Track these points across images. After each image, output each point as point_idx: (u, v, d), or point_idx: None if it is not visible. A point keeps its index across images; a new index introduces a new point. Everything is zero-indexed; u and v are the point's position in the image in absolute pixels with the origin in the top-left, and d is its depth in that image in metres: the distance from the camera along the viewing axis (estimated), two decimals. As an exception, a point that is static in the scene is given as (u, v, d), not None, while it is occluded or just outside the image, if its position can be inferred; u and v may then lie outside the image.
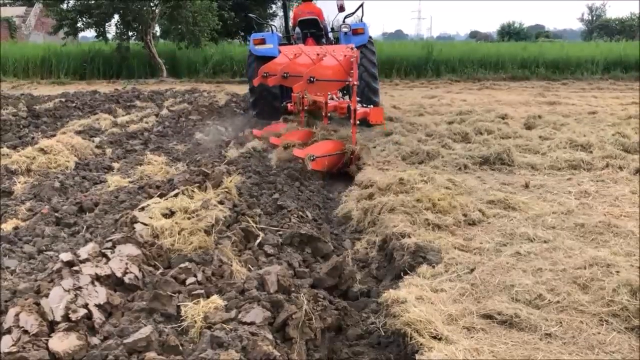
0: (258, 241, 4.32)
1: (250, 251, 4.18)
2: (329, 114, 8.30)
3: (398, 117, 11.86)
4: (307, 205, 5.50)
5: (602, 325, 3.09)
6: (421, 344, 2.78)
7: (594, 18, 63.43)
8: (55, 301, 2.95)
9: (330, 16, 12.19)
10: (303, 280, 3.90)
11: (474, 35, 61.14)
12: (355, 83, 7.25)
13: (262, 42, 10.63)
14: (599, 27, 58.15)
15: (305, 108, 8.40)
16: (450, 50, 25.08)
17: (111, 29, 23.92)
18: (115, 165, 6.97)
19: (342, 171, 7.14)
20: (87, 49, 24.88)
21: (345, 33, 11.07)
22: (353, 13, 11.65)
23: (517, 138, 8.72)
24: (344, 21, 11.65)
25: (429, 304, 3.19)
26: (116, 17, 23.08)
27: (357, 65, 7.52)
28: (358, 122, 7.28)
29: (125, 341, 2.73)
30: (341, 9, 11.17)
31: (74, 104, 12.28)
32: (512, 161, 7.02)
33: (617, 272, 3.59)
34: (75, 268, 3.31)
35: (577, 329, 3.06)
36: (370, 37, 11.38)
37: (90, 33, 24.75)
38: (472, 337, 2.95)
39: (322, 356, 3.22)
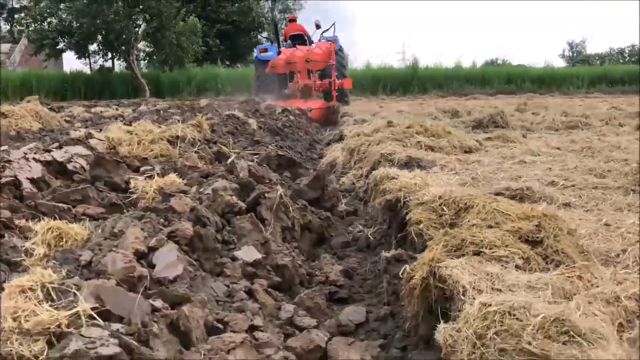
0: (230, 160, 3.84)
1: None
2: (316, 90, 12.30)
3: (385, 114, 11.57)
4: (287, 149, 5.05)
5: (629, 194, 2.65)
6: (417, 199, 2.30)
7: (575, 54, 64.38)
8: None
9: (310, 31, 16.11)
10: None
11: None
12: (333, 63, 12.28)
13: (265, 50, 14.80)
14: (580, 62, 58.92)
15: (299, 89, 12.14)
16: (435, 71, 25.04)
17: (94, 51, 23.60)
18: (83, 130, 6.48)
19: (329, 120, 10.74)
20: (69, 71, 24.54)
21: None
22: (327, 29, 15.86)
23: (510, 117, 8.36)
24: (322, 34, 15.64)
25: (423, 179, 2.72)
26: (99, 37, 22.81)
27: (334, 52, 12.66)
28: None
29: (56, 195, 2.23)
30: (317, 26, 15.10)
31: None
32: (506, 123, 6.65)
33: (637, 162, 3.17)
34: (12, 150, 2.82)
35: (600, 198, 2.62)
36: (340, 46, 15.40)
37: (73, 59, 24.55)
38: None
39: (303, 249, 2.75)
